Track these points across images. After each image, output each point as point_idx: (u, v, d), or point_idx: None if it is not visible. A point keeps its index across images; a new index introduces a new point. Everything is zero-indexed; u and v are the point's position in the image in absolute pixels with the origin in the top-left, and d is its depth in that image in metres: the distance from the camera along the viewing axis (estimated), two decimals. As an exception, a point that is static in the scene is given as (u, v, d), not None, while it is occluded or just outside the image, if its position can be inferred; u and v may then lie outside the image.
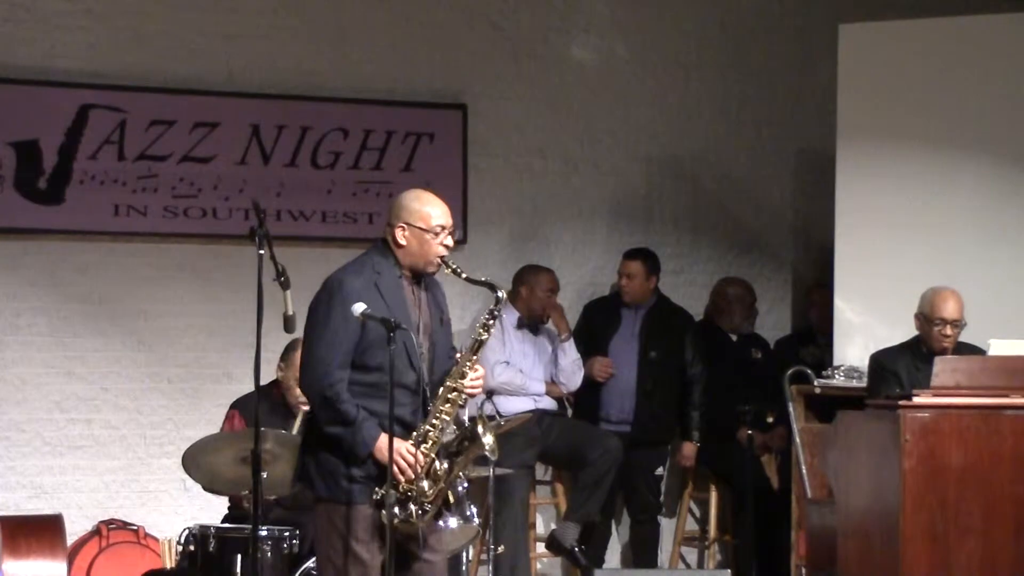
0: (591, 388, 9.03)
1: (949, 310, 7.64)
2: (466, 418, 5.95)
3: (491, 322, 5.89)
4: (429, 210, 5.89)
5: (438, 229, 5.87)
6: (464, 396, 5.85)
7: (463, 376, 5.84)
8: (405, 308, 5.86)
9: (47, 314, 8.43)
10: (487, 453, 5.89)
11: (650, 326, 9.09)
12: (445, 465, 5.84)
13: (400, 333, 5.70)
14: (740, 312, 9.45)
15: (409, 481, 5.77)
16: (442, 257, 5.89)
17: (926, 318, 7.70)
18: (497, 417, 8.00)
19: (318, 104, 8.82)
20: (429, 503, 5.81)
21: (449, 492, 5.87)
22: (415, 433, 5.81)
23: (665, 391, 9.07)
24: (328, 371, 5.78)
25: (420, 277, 5.95)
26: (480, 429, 5.84)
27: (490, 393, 8.03)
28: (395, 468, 5.73)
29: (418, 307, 5.92)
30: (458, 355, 6.00)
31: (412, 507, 5.79)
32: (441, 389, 5.84)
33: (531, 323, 8.80)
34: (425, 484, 5.80)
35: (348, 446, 5.78)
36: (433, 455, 5.82)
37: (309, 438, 5.94)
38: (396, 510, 5.74)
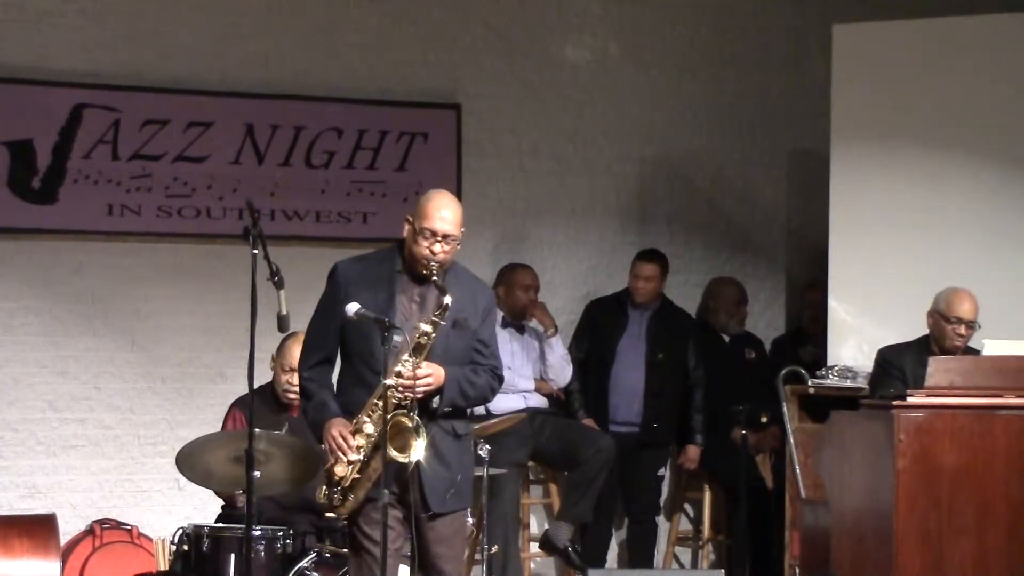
0: (599, 389, 9.04)
1: (966, 309, 7.58)
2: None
3: (427, 327, 5.78)
4: (428, 210, 5.87)
5: (428, 233, 5.83)
6: (399, 395, 5.75)
7: (398, 375, 5.76)
8: (391, 300, 5.86)
9: (40, 314, 8.43)
10: (397, 457, 5.72)
11: (656, 328, 9.10)
12: (362, 456, 5.81)
13: (394, 331, 5.69)
14: (732, 312, 9.46)
15: (339, 463, 5.80)
16: (426, 259, 5.83)
17: (941, 316, 7.62)
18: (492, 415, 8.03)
19: (312, 104, 8.82)
20: (346, 489, 5.81)
21: (367, 483, 5.82)
22: (355, 421, 5.83)
23: (671, 393, 9.08)
24: (305, 356, 6.00)
25: (422, 277, 5.89)
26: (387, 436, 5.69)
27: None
28: (326, 447, 5.83)
29: (412, 302, 5.91)
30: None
31: (335, 491, 5.84)
32: (378, 384, 5.80)
33: (514, 322, 8.79)
34: (347, 470, 5.82)
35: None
36: (363, 447, 5.79)
37: None
38: (324, 489, 5.85)
